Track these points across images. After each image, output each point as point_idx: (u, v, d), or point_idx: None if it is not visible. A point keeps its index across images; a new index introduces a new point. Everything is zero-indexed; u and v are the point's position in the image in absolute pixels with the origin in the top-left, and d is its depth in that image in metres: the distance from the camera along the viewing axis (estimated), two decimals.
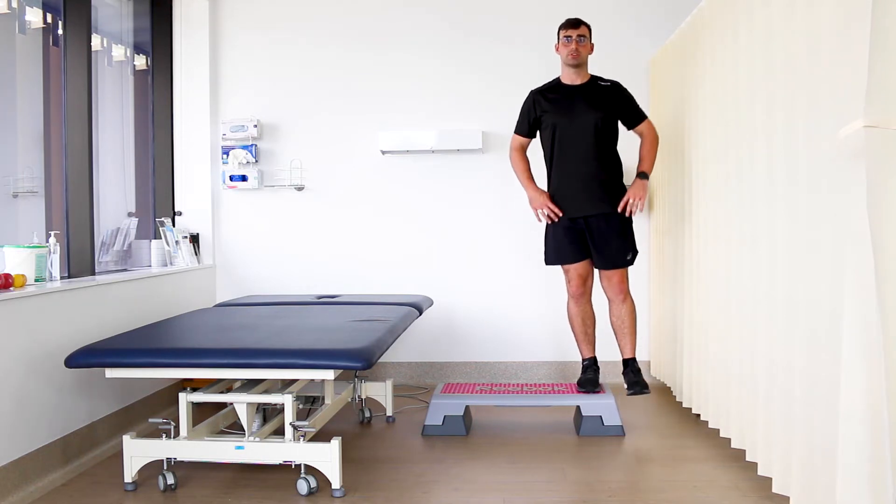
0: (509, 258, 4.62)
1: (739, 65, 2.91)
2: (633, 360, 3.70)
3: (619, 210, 3.61)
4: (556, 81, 3.77)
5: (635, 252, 3.72)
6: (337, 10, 4.68)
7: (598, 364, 3.78)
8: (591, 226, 3.65)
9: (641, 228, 4.40)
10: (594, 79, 3.73)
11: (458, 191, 4.65)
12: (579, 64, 3.66)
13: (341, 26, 4.67)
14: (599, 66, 3.91)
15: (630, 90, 3.77)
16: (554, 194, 3.71)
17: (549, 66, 4.01)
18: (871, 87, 1.91)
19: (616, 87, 3.72)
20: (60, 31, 3.66)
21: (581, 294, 3.72)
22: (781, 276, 2.50)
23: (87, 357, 2.75)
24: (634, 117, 3.75)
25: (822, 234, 2.19)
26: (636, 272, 3.97)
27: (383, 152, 4.62)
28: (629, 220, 3.70)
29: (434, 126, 4.61)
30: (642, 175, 3.67)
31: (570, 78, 3.71)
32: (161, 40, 4.63)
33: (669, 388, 4.22)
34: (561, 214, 3.65)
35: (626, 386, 3.67)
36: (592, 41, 3.70)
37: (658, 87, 4.37)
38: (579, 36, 3.61)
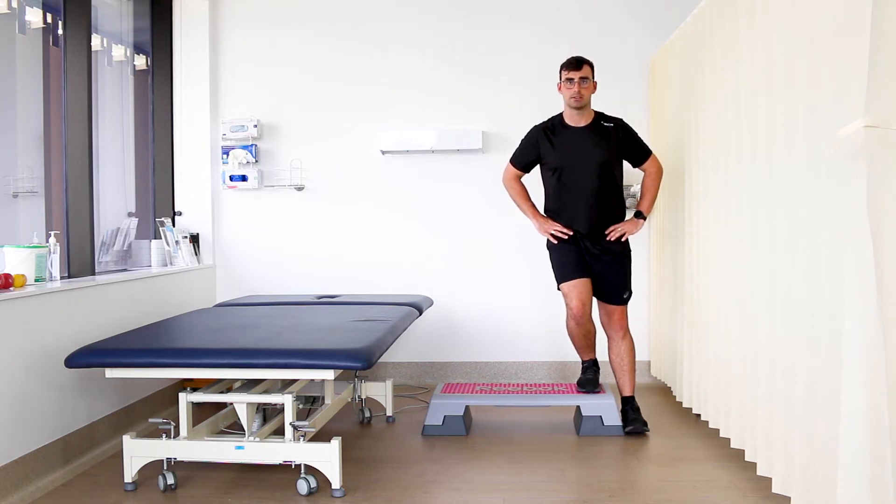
0: (509, 258, 4.62)
1: (740, 64, 2.91)
2: (633, 398, 3.64)
3: (606, 233, 3.58)
4: (560, 120, 3.66)
5: (630, 292, 3.69)
6: (337, 10, 4.68)
7: (598, 364, 3.77)
8: (594, 258, 3.62)
9: (642, 230, 4.40)
10: (598, 117, 3.63)
11: (458, 191, 4.64)
12: (582, 106, 3.56)
13: (341, 26, 4.67)
14: (600, 65, 3.91)
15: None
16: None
17: (548, 66, 4.01)
18: (871, 87, 1.92)
19: (620, 125, 3.63)
20: (60, 31, 3.66)
21: (582, 315, 3.60)
22: (781, 276, 2.50)
23: (87, 357, 2.75)
24: (640, 156, 3.69)
25: (823, 234, 2.19)
26: (636, 272, 3.96)
27: (383, 152, 4.62)
28: (629, 260, 3.67)
29: (434, 126, 4.61)
30: (639, 214, 3.65)
31: (574, 119, 3.61)
32: (161, 40, 4.63)
33: (669, 388, 4.22)
34: (570, 233, 3.59)
35: (623, 425, 3.53)
36: (595, 79, 3.60)
37: (658, 87, 4.37)
38: (581, 78, 3.50)
